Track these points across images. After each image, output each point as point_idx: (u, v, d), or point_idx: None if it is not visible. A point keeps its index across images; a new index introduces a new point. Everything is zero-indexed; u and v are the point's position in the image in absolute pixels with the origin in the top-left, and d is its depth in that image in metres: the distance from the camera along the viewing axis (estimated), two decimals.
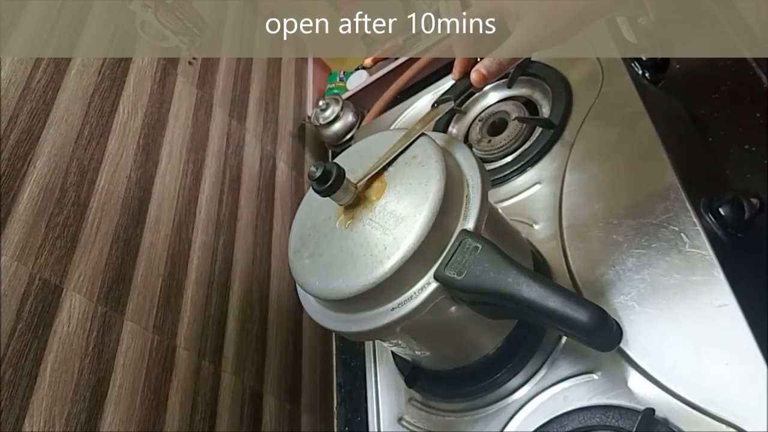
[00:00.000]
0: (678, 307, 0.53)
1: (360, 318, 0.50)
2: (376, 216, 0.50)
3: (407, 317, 0.48)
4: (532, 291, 0.45)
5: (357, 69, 1.14)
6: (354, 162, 0.55)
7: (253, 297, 0.86)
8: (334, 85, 1.17)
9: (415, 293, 0.48)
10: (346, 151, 0.59)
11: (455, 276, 0.46)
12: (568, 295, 0.45)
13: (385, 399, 0.69)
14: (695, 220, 0.56)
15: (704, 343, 0.51)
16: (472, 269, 0.46)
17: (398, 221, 0.48)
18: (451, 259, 0.47)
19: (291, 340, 0.90)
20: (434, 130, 0.86)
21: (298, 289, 0.56)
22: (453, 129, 0.86)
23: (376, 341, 0.75)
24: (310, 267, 0.53)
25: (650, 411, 0.49)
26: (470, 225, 0.48)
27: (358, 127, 1.04)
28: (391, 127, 0.94)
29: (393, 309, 0.48)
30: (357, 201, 0.52)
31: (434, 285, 0.47)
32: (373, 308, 0.49)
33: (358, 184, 0.52)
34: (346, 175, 0.50)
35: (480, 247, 0.47)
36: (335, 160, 0.52)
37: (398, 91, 1.01)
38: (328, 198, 0.51)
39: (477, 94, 0.85)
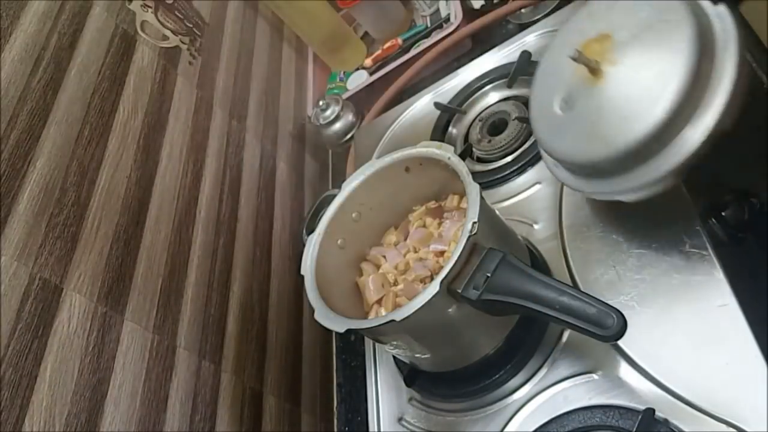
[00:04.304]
0: (678, 307, 0.53)
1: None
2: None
3: (408, 317, 0.48)
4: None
5: (357, 69, 1.14)
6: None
7: (253, 297, 0.86)
8: (334, 85, 1.17)
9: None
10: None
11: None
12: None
13: (385, 399, 0.69)
14: (695, 220, 0.56)
15: (704, 343, 0.50)
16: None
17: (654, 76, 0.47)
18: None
19: (291, 340, 0.90)
20: (434, 130, 0.86)
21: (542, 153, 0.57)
22: (453, 129, 0.86)
23: None
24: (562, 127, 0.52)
25: (650, 411, 0.49)
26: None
27: (358, 127, 1.04)
28: (391, 127, 0.94)
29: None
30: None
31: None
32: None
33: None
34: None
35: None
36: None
37: (398, 91, 1.01)
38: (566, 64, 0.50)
39: (477, 94, 0.85)
